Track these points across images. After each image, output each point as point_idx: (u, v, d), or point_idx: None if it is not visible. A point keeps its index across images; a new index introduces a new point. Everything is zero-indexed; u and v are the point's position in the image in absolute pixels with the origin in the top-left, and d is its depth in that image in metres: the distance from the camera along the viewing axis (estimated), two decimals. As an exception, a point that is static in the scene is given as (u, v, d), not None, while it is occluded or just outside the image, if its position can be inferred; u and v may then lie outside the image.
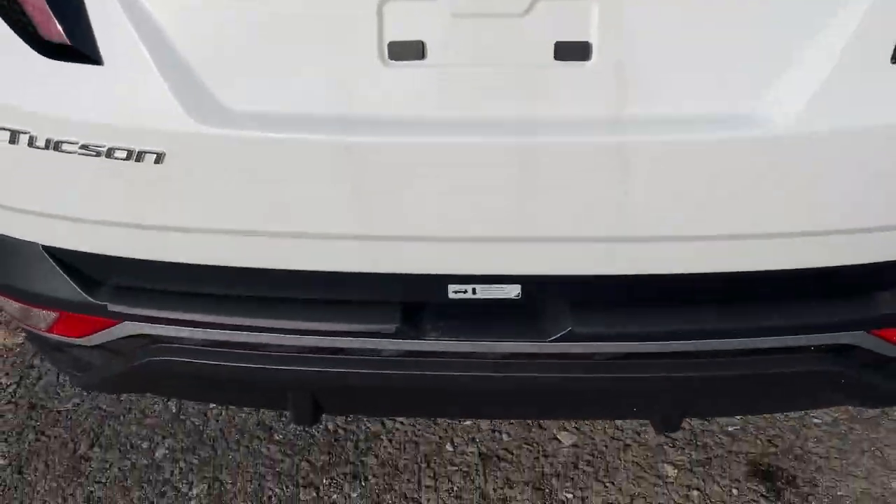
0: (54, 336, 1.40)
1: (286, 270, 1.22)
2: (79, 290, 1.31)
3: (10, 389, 2.04)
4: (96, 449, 1.87)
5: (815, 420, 1.86)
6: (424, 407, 1.60)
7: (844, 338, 1.26)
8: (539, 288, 1.22)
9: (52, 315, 1.37)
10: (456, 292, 1.21)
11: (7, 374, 2.08)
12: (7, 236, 1.33)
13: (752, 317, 1.23)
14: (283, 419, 1.90)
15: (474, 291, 1.21)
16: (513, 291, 1.22)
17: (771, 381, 1.32)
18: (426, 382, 1.31)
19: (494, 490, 1.74)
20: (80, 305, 1.32)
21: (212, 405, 1.94)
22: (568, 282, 1.20)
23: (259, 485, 1.77)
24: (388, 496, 1.74)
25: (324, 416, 1.78)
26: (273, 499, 1.75)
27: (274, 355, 1.31)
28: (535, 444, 1.82)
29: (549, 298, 1.25)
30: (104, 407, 1.96)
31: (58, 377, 2.04)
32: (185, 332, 1.30)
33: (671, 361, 1.27)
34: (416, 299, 1.26)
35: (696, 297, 1.25)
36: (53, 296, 1.32)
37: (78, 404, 1.98)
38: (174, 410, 1.94)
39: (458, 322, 1.26)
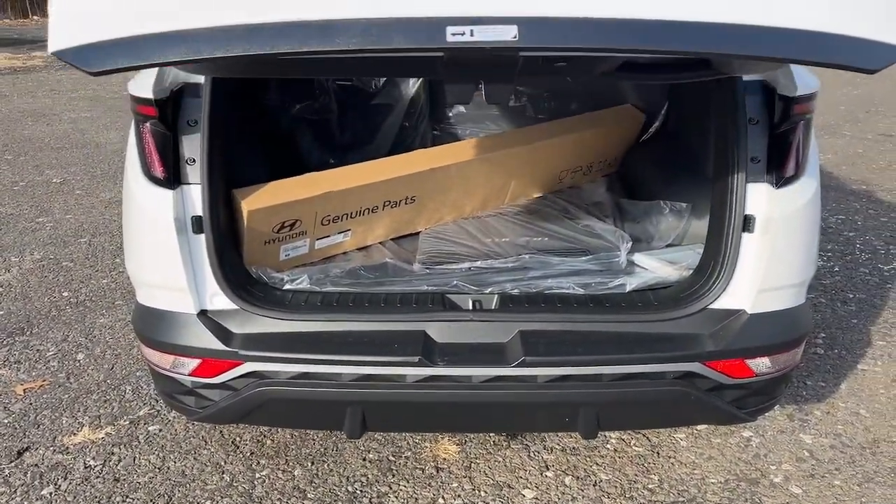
0: (192, 378, 2.15)
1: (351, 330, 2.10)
2: (219, 341, 2.11)
3: (96, 469, 2.64)
4: None
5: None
6: (436, 421, 2.33)
7: (688, 367, 2.12)
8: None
9: (196, 362, 2.14)
10: (454, 34, 1.34)
11: (94, 458, 2.69)
12: (170, 311, 2.17)
13: (623, 349, 2.10)
14: (317, 480, 2.55)
15: (472, 34, 1.34)
16: (509, 33, 1.34)
17: (648, 399, 2.14)
18: (435, 399, 2.09)
19: None
20: (218, 352, 2.11)
21: (261, 469, 2.58)
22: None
23: (301, 520, 2.39)
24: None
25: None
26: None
27: (338, 382, 2.08)
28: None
29: (512, 344, 2.10)
30: (173, 478, 2.58)
31: (134, 459, 2.66)
32: (283, 368, 2.09)
33: (583, 383, 2.10)
34: (416, 45, 1.39)
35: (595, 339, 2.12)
36: (201, 346, 2.12)
37: (151, 478, 2.59)
38: (228, 479, 2.57)
39: (459, 355, 2.08)
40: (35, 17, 26.84)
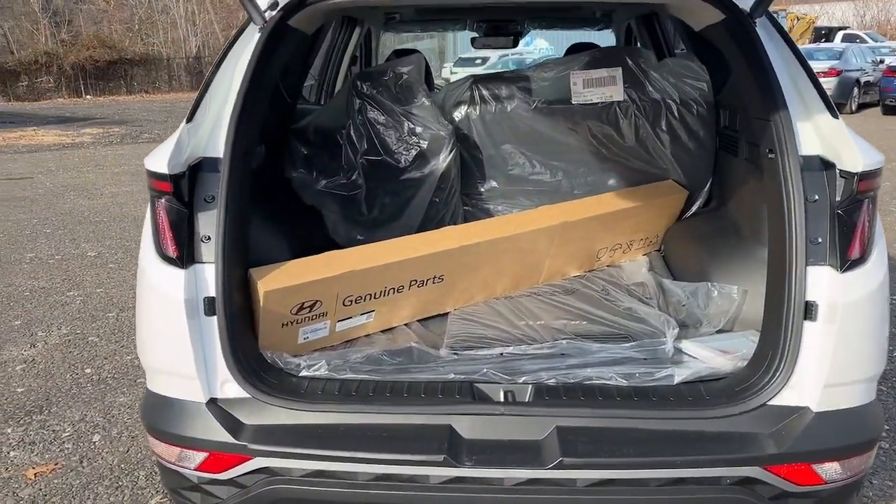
0: (199, 472, 1.97)
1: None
2: (229, 434, 1.93)
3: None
4: None
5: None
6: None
7: (747, 472, 1.88)
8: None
9: (202, 455, 1.96)
10: None
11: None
12: (177, 399, 2.01)
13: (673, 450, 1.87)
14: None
15: None
16: None
17: (698, 507, 1.90)
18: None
19: None
20: (227, 446, 1.93)
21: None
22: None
23: None
24: None
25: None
26: None
27: (355, 482, 1.88)
28: None
29: (548, 442, 1.89)
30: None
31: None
32: (296, 465, 1.90)
33: (628, 488, 1.86)
34: None
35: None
36: (208, 439, 1.94)
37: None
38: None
39: (488, 454, 1.87)
40: (88, 97, 28.15)
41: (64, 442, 3.35)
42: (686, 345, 2.38)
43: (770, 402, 1.97)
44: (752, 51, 2.16)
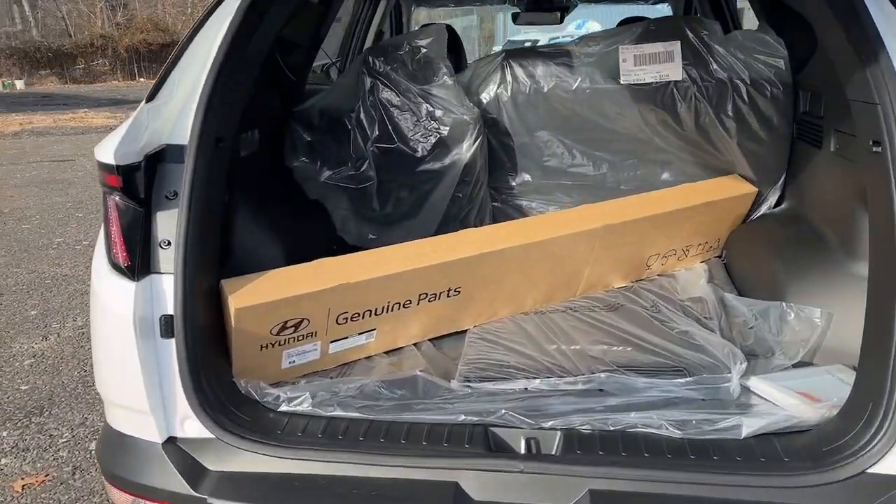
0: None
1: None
2: (186, 483, 1.58)
3: None
4: None
5: None
6: None
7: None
8: None
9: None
10: None
11: None
12: (131, 435, 1.66)
13: None
14: None
15: None
16: None
17: None
18: None
19: None
20: (184, 498, 1.57)
21: None
22: None
23: None
24: None
25: None
26: None
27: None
28: None
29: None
30: None
31: None
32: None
33: None
34: None
35: None
36: (163, 488, 1.60)
37: None
38: None
39: None
40: (141, 80, 28.45)
41: (59, 449, 3.11)
42: (756, 383, 1.91)
43: (871, 470, 1.51)
44: (854, 17, 1.67)
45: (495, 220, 3.01)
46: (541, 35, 22.91)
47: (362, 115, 2.62)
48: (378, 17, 4.04)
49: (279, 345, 1.95)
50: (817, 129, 2.43)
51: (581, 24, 24.54)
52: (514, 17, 4.57)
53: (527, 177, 2.89)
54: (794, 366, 2.04)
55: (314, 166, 2.64)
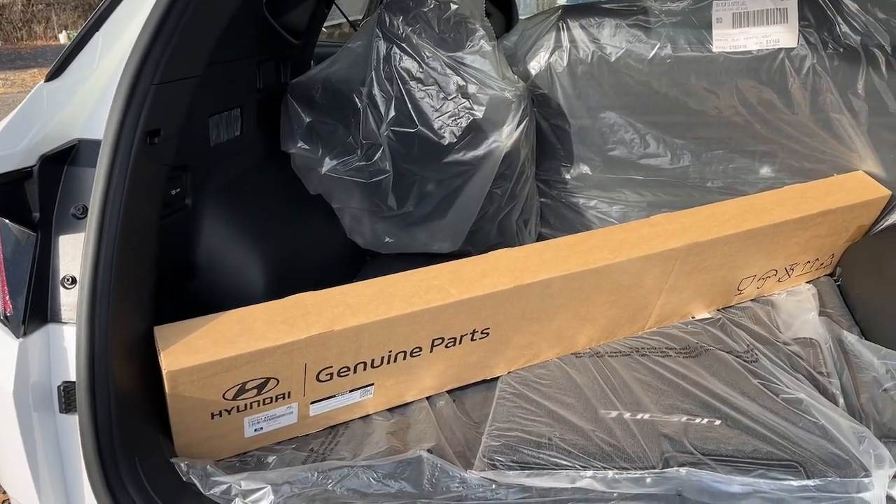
0: None
1: None
2: None
3: None
4: None
5: None
6: None
7: None
8: None
9: None
10: None
11: None
12: None
13: None
14: None
15: None
16: None
17: None
18: None
19: None
20: None
21: None
22: None
23: None
24: None
25: None
26: None
27: None
28: None
29: None
30: None
31: None
32: None
33: None
34: None
35: None
36: None
37: None
38: None
39: None
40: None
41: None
42: (907, 496, 1.33)
43: None
44: None
45: (544, 221, 2.43)
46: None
47: (375, 91, 2.05)
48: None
49: (238, 410, 1.45)
50: None
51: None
52: None
53: (585, 169, 2.28)
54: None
55: (315, 155, 2.09)
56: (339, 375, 1.51)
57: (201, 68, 1.42)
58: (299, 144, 2.10)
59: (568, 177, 2.31)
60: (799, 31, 2.01)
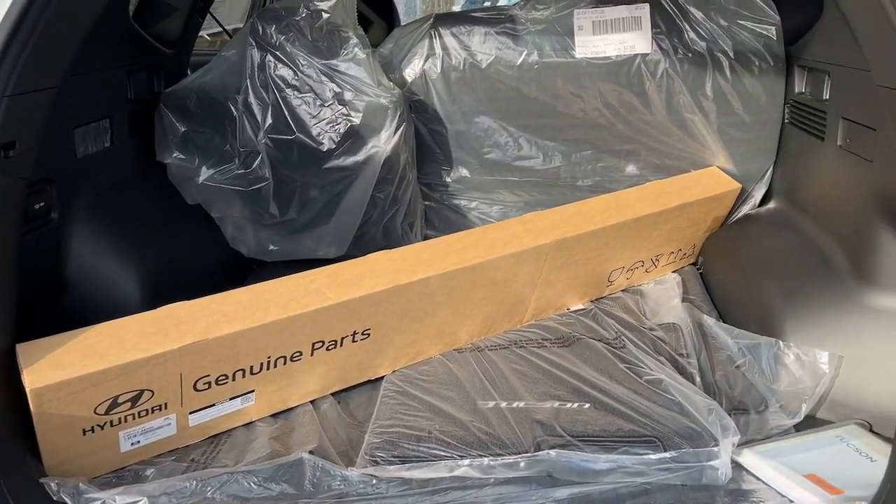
0: None
1: None
2: None
3: None
4: None
5: None
6: None
7: None
8: None
9: None
10: None
11: None
12: None
13: None
14: None
15: None
16: None
17: None
18: None
19: None
20: None
21: None
22: None
23: None
24: None
25: None
26: None
27: None
28: None
29: None
30: None
31: None
32: None
33: None
34: None
35: None
36: None
37: None
38: None
39: None
40: None
41: None
42: (752, 460, 1.46)
43: None
44: None
45: (429, 223, 2.49)
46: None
47: (251, 98, 2.05)
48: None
49: (112, 425, 1.42)
50: (818, 116, 1.96)
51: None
52: None
53: (464, 172, 2.37)
54: (796, 428, 1.60)
55: (191, 164, 2.07)
56: (217, 384, 1.51)
57: (60, 79, 1.39)
58: (175, 154, 2.08)
59: (449, 180, 2.39)
60: (652, 37, 2.17)
